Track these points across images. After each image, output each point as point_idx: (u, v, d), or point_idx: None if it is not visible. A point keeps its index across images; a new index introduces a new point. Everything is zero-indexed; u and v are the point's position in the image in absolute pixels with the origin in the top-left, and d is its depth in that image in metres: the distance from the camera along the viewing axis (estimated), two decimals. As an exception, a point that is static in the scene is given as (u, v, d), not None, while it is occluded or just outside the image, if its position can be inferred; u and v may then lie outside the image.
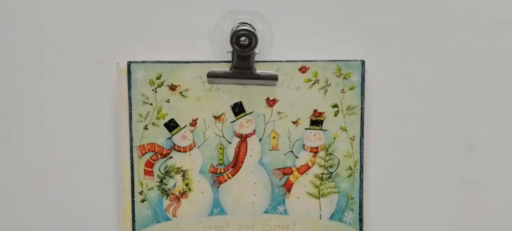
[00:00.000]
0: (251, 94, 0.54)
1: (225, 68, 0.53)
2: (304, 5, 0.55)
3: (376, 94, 0.56)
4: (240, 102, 0.55)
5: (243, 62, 0.53)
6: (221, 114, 0.55)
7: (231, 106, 0.55)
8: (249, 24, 0.55)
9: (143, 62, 0.53)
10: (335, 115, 0.56)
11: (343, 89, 0.56)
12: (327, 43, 0.56)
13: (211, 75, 0.53)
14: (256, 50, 0.52)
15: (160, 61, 0.53)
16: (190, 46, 0.55)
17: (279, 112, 0.56)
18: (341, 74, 0.56)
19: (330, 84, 0.55)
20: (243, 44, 0.52)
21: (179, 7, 0.55)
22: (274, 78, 0.54)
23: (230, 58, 0.53)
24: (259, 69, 0.53)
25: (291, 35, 0.56)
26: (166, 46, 0.55)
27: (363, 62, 0.55)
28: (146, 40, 0.55)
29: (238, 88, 0.54)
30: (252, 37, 0.52)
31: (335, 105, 0.56)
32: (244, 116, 0.56)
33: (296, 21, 0.56)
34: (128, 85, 0.54)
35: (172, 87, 0.54)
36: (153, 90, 0.54)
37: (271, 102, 0.55)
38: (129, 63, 0.53)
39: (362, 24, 0.56)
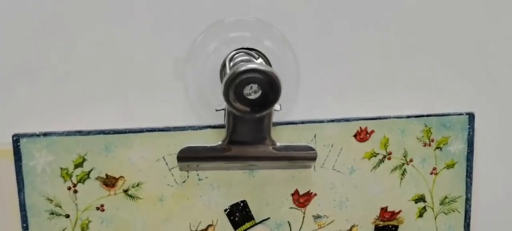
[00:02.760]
0: (264, 187, 0.34)
1: (213, 140, 0.32)
2: (350, 12, 0.34)
3: (491, 174, 0.36)
4: (243, 202, 0.33)
5: (249, 129, 0.30)
6: (208, 226, 0.34)
7: (226, 210, 0.34)
8: (255, 51, 0.33)
9: (45, 135, 0.31)
10: (420, 215, 0.35)
11: (435, 169, 0.34)
12: (402, 84, 0.34)
13: (187, 157, 0.31)
14: (277, 106, 0.30)
15: (79, 132, 0.32)
16: (142, 98, 0.33)
17: (317, 217, 0.34)
18: (432, 140, 0.34)
19: (411, 161, 0.34)
20: (251, 97, 0.29)
21: (117, 16, 0.33)
22: (308, 157, 0.32)
23: (221, 121, 0.32)
24: (280, 140, 0.32)
25: (331, 67, 0.34)
26: (92, 99, 0.32)
27: (471, 116, 0.34)
28: (50, 89, 0.32)
29: (239, 178, 0.34)
30: (268, 83, 0.28)
31: (421, 198, 0.35)
32: (252, 226, 0.34)
33: (341, 39, 0.34)
34: (18, 182, 0.31)
35: (109, 182, 0.32)
36: (69, 188, 0.32)
37: (302, 199, 0.34)
38: (16, 138, 0.31)
39: (461, 54, 0.35)
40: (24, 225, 0.32)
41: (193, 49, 0.33)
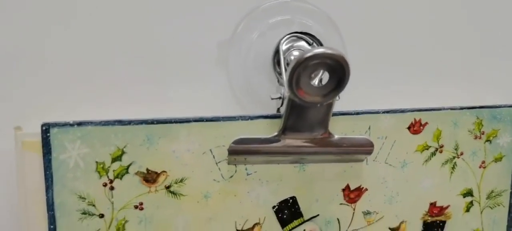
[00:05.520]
0: (315, 182, 0.31)
1: (265, 131, 0.29)
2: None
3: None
4: (293, 198, 0.30)
5: (308, 120, 0.28)
6: (255, 225, 0.30)
7: (274, 207, 0.30)
8: (308, 35, 0.31)
9: (79, 124, 0.27)
10: (467, 210, 0.33)
11: (483, 162, 0.33)
12: (456, 72, 0.33)
13: (237, 150, 0.28)
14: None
15: (119, 121, 0.28)
16: (185, 86, 0.30)
17: (367, 213, 0.32)
18: (483, 132, 0.33)
19: (461, 154, 0.32)
20: (315, 84, 0.28)
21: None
22: (366, 150, 0.30)
23: (272, 111, 0.30)
24: (333, 131, 0.29)
25: (381, 53, 0.33)
26: (132, 86, 0.29)
27: (520, 108, 0.34)
28: (85, 75, 0.28)
29: (289, 172, 0.31)
30: (337, 68, 0.26)
31: (469, 193, 0.33)
32: (300, 224, 0.31)
33: (387, 26, 0.33)
34: (47, 178, 0.27)
35: (150, 177, 0.28)
36: (105, 185, 0.28)
37: (352, 195, 0.31)
38: (45, 128, 0.27)
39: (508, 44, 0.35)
40: (52, 226, 0.28)
41: (236, 34, 0.31)
